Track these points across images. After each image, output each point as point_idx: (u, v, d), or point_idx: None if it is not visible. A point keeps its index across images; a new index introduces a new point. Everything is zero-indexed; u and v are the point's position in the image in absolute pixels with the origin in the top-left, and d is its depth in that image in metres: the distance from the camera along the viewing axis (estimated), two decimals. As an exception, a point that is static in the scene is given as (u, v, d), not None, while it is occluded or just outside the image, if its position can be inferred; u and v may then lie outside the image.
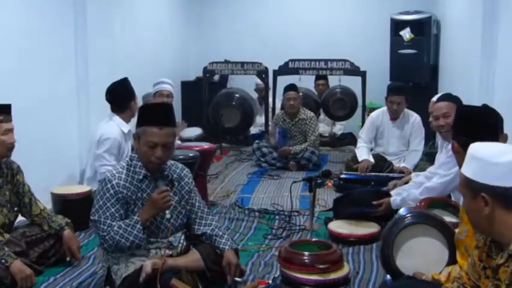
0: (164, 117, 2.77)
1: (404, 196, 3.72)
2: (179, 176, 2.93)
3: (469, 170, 1.76)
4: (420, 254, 2.64)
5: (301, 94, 6.59)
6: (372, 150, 5.58)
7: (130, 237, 2.68)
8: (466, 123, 2.44)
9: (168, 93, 5.37)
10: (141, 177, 2.79)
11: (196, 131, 7.10)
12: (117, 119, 4.32)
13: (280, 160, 6.16)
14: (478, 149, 1.77)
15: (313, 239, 3.43)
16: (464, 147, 2.29)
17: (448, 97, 3.73)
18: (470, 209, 1.78)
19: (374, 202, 3.79)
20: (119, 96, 4.33)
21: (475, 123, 2.41)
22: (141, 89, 5.22)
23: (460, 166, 2.39)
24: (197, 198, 3.00)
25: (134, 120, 4.36)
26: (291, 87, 6.29)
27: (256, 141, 6.47)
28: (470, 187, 1.74)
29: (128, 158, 2.87)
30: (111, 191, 2.73)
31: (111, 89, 4.33)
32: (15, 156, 3.27)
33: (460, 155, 2.38)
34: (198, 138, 6.51)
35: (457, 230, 2.43)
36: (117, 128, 4.26)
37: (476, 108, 2.67)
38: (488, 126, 2.42)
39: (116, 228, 2.69)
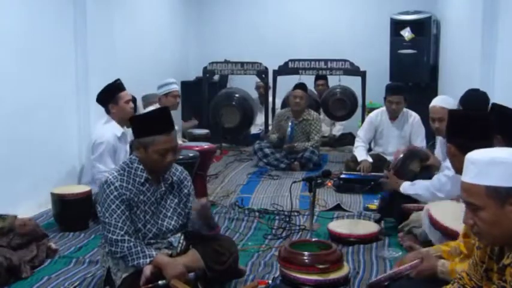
0: (168, 122, 2.80)
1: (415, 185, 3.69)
2: (179, 178, 2.94)
3: (490, 178, 1.63)
4: None
5: (310, 95, 6.53)
6: (370, 150, 5.58)
7: (136, 261, 2.67)
8: (459, 126, 2.42)
9: (178, 94, 5.36)
10: (142, 180, 2.79)
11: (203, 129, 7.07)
12: (111, 121, 4.26)
13: (283, 161, 6.12)
14: (493, 154, 1.67)
15: (313, 239, 3.42)
16: (461, 150, 2.28)
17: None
18: (497, 220, 1.64)
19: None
20: (100, 98, 4.28)
21: (469, 125, 2.38)
22: (141, 89, 5.22)
23: (457, 170, 2.39)
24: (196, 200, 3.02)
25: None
26: (300, 86, 6.29)
27: (257, 141, 6.43)
28: (495, 196, 1.63)
29: (128, 160, 2.85)
30: (115, 193, 2.72)
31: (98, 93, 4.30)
32: (16, 156, 3.27)
33: (456, 158, 2.36)
34: (203, 137, 6.34)
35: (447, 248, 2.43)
36: (110, 130, 4.20)
37: (468, 111, 2.67)
38: (482, 125, 2.40)
39: (131, 244, 2.68)
